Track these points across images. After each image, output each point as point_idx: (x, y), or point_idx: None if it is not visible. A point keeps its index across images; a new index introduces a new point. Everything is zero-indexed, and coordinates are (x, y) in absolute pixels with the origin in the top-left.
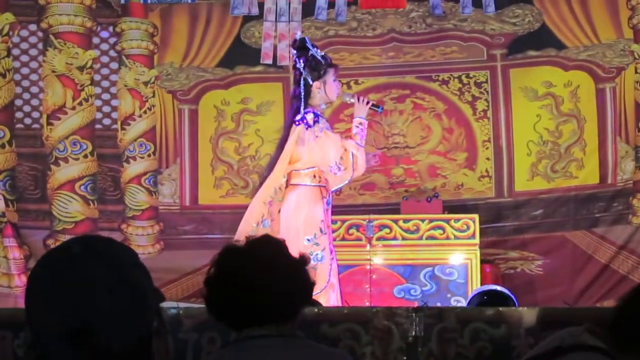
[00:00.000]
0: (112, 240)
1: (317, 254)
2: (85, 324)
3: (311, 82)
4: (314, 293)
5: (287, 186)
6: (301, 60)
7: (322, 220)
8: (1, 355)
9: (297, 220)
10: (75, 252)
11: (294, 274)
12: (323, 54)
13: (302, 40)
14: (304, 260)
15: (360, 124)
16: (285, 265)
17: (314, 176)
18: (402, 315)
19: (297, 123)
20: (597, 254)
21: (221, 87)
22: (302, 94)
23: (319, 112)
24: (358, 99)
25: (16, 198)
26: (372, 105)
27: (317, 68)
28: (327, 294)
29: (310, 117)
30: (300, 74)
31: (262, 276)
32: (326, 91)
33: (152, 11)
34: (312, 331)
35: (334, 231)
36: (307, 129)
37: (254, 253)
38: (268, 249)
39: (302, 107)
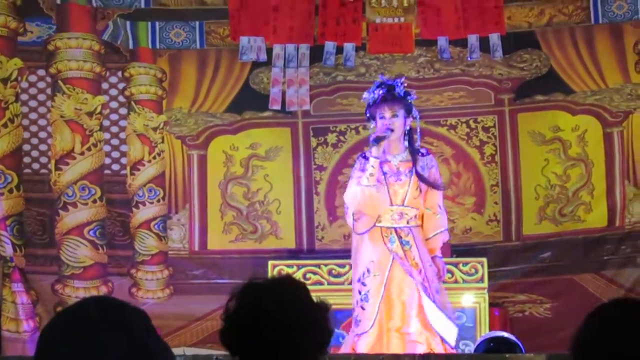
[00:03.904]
0: (125, 305)
1: (365, 294)
2: None
3: (372, 126)
4: (360, 332)
5: None
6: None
7: (372, 261)
8: None
9: (354, 258)
10: (91, 318)
11: (313, 317)
12: (383, 89)
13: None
14: (325, 306)
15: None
16: (306, 308)
17: None
18: None
19: None
20: (606, 297)
21: (230, 132)
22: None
23: (366, 154)
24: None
25: (24, 243)
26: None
27: (368, 111)
28: (371, 336)
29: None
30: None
31: (283, 315)
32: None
33: (160, 56)
34: None
35: (341, 275)
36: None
37: (276, 292)
38: (289, 289)
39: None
